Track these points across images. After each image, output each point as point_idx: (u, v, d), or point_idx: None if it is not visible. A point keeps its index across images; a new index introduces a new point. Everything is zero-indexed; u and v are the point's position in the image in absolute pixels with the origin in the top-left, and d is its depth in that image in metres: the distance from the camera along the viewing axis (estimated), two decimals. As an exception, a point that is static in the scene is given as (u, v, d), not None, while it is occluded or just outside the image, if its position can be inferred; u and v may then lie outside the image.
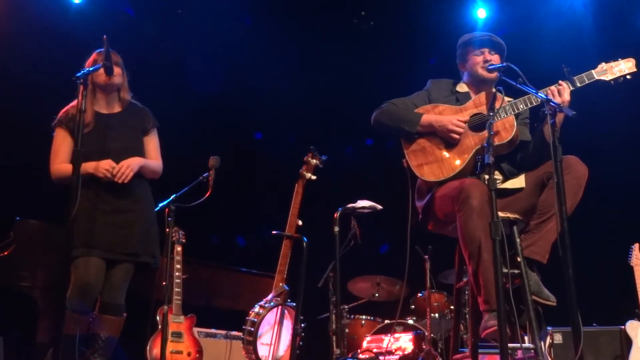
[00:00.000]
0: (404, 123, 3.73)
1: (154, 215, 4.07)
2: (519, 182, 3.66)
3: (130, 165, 3.85)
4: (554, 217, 3.42)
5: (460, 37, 3.97)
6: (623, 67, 3.62)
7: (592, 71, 3.62)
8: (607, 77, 3.61)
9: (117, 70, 3.94)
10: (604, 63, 3.63)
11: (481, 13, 7.43)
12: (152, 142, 4.13)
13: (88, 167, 3.76)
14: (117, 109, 4.06)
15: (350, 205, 4.38)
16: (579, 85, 3.58)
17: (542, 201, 3.53)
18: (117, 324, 3.95)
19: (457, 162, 3.64)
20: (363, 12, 7.80)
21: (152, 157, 4.10)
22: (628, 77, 3.62)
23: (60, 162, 3.90)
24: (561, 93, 3.52)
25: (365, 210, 4.39)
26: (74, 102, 3.88)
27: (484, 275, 3.27)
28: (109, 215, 3.85)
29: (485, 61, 3.80)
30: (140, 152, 4.04)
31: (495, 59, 3.82)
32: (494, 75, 3.73)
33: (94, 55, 3.95)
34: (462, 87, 3.92)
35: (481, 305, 3.30)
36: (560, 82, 3.56)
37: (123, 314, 3.98)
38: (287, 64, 7.50)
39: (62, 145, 3.93)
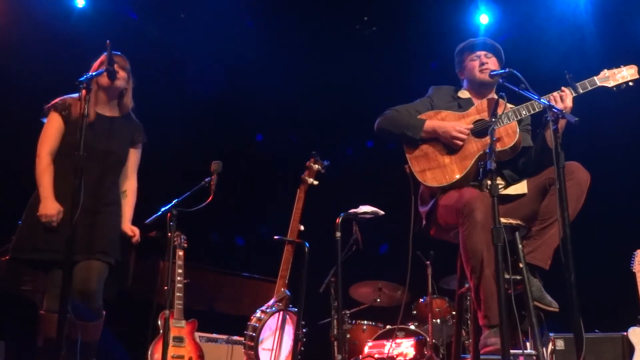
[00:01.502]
0: (407, 129, 3.73)
1: (120, 220, 3.98)
2: (521, 188, 3.66)
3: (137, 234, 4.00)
4: (556, 223, 3.42)
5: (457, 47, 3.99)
6: (625, 73, 3.62)
7: (595, 78, 3.62)
8: (610, 84, 3.61)
9: (122, 74, 3.95)
10: (606, 70, 3.63)
11: (484, 19, 7.44)
12: (134, 156, 4.13)
13: (44, 193, 3.74)
14: (115, 113, 4.06)
15: (352, 210, 4.37)
16: (581, 91, 3.58)
17: (544, 207, 3.53)
18: (96, 328, 3.86)
19: (460, 168, 3.64)
20: (365, 17, 7.82)
21: (130, 169, 4.10)
22: (630, 84, 3.62)
23: (49, 149, 3.85)
24: (563, 99, 3.52)
25: (367, 216, 4.39)
26: (74, 95, 3.87)
27: (485, 290, 3.25)
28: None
29: (481, 64, 3.82)
30: (123, 161, 4.05)
31: (492, 61, 3.84)
32: (490, 76, 3.75)
33: (102, 57, 3.95)
34: (463, 94, 3.93)
35: (481, 320, 3.29)
36: (562, 88, 3.56)
37: (102, 316, 3.86)
38: (289, 67, 7.53)
39: (52, 132, 3.89)
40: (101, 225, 3.83)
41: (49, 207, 3.72)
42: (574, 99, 3.55)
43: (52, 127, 3.90)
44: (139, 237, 4.01)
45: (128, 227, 3.99)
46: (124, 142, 4.05)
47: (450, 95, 3.94)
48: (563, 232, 3.12)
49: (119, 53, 4.01)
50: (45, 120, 3.95)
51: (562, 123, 3.38)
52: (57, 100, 3.97)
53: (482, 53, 3.86)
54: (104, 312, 3.89)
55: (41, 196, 3.76)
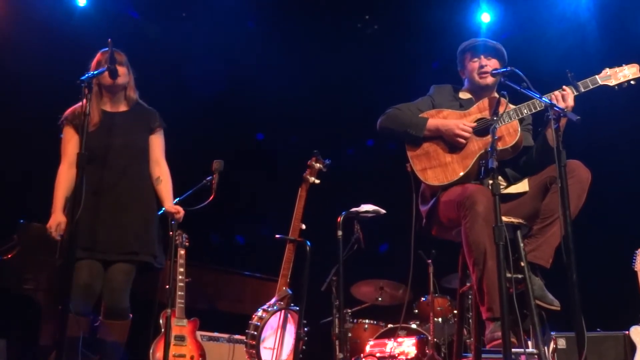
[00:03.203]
0: (410, 127, 3.73)
1: (154, 215, 4.00)
2: (522, 186, 3.66)
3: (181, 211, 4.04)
4: (557, 222, 3.41)
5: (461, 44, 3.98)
6: (627, 72, 3.62)
7: (596, 76, 3.61)
8: (611, 83, 3.60)
9: (122, 70, 3.96)
10: (607, 68, 3.63)
11: (485, 17, 7.44)
12: (157, 141, 4.12)
13: (53, 207, 3.82)
14: (123, 107, 4.07)
15: (353, 209, 4.37)
16: (583, 90, 3.57)
17: (546, 205, 3.53)
18: (123, 328, 3.89)
19: (461, 166, 3.64)
20: (367, 16, 7.81)
21: (157, 155, 4.09)
22: (632, 82, 3.61)
23: (67, 163, 3.89)
24: (565, 98, 3.51)
25: (369, 215, 4.39)
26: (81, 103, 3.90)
27: (488, 283, 3.25)
28: (105, 215, 3.80)
29: (480, 66, 3.81)
30: (144, 150, 4.05)
31: (492, 63, 3.82)
32: (490, 81, 3.77)
33: (98, 55, 3.96)
34: (464, 94, 3.92)
35: (484, 313, 3.29)
36: (564, 87, 3.56)
37: (129, 317, 3.91)
38: (290, 66, 7.52)
39: (68, 144, 3.93)
40: (128, 224, 3.86)
41: (51, 219, 3.81)
42: (576, 98, 3.54)
43: (67, 141, 3.95)
44: (183, 213, 4.04)
45: (170, 206, 4.02)
46: (141, 132, 4.06)
47: (452, 95, 3.93)
48: (564, 230, 3.12)
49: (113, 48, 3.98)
50: (62, 136, 4.00)
51: (563, 121, 3.38)
52: (67, 112, 4.00)
53: (482, 55, 3.84)
54: (130, 315, 3.93)
55: (52, 209, 3.84)
